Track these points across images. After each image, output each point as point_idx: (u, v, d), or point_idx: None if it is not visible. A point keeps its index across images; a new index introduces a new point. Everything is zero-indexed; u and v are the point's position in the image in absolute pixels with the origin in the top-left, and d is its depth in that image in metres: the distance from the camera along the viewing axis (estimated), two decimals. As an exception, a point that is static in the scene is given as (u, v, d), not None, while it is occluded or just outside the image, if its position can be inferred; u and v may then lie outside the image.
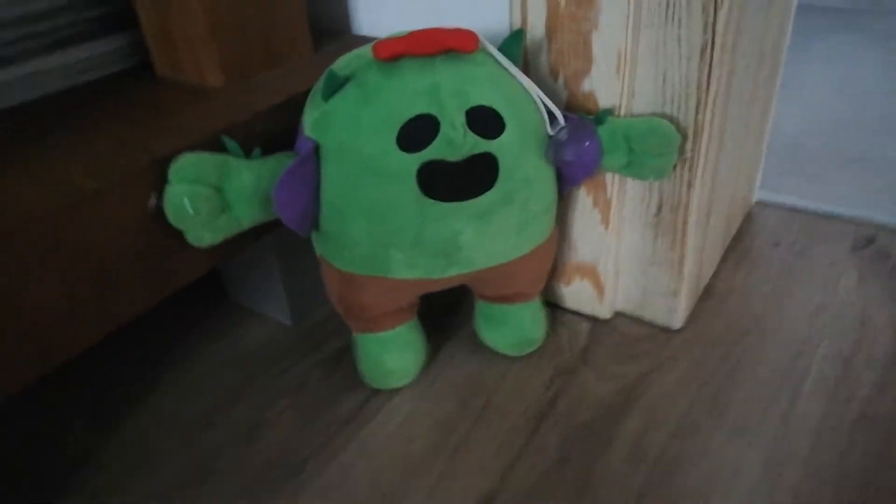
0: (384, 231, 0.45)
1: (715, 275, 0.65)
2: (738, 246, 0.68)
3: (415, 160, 0.42)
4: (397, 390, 0.55)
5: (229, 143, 0.44)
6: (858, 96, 0.97)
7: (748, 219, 0.72)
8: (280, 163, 0.44)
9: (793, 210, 0.72)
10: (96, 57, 0.53)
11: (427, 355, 0.56)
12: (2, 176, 0.41)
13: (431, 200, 0.43)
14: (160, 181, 0.42)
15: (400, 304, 0.51)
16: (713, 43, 0.46)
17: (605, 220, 0.54)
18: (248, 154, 0.45)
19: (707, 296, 0.62)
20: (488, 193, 0.44)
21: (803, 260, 0.66)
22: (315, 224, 0.47)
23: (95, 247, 0.40)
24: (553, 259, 0.54)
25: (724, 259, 0.67)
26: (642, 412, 0.52)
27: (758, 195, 0.74)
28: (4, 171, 0.41)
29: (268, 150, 0.46)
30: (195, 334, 0.63)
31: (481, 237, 0.46)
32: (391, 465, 0.49)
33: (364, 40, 0.61)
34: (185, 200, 0.41)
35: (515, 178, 0.44)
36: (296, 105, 0.48)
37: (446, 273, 0.48)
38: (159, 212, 0.42)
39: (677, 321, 0.58)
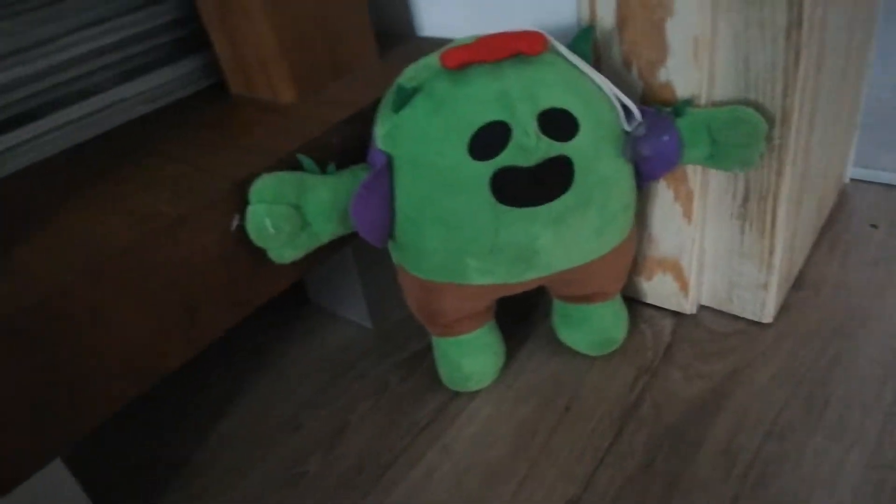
0: (460, 240, 0.44)
1: (807, 262, 0.61)
2: (832, 229, 0.64)
3: (487, 168, 0.42)
4: (477, 393, 0.55)
5: (305, 161, 0.45)
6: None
7: (842, 199, 0.68)
8: (355, 177, 0.45)
9: (891, 187, 0.67)
10: (172, 81, 0.55)
11: (505, 357, 0.56)
12: (88, 209, 0.43)
13: (506, 207, 0.43)
14: (241, 203, 0.43)
15: (477, 309, 0.51)
16: (800, 22, 0.43)
17: (688, 213, 0.52)
18: (323, 170, 0.45)
19: (799, 286, 0.59)
20: (564, 197, 0.43)
21: (905, 242, 0.61)
22: (391, 234, 0.48)
23: (183, 272, 0.42)
24: (633, 256, 0.53)
25: (816, 245, 0.63)
26: (733, 413, 0.50)
27: (852, 173, 0.70)
28: (89, 204, 0.43)
29: (341, 163, 0.47)
30: (279, 338, 0.65)
31: (559, 241, 0.45)
32: (473, 470, 0.49)
33: (428, 42, 0.61)
34: (267, 220, 0.42)
35: (592, 179, 0.43)
36: (366, 117, 0.48)
37: (523, 277, 0.47)
38: (242, 233, 0.43)
39: (768, 315, 0.55)
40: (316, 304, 0.68)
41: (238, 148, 0.47)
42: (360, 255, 0.60)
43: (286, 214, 0.42)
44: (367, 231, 0.45)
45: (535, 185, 0.42)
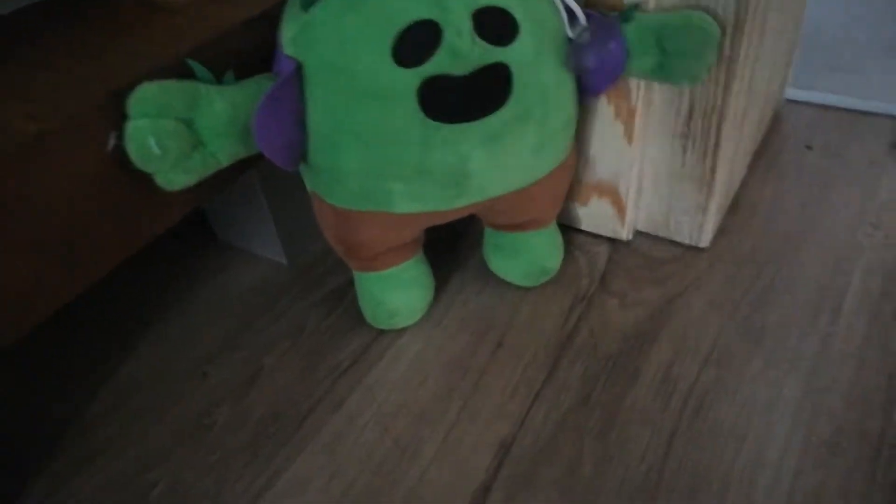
0: (382, 161, 0.39)
1: (743, 185, 0.59)
2: (767, 151, 0.63)
3: (414, 76, 0.36)
4: (403, 330, 0.51)
5: (197, 68, 0.37)
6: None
7: (777, 120, 0.66)
8: (258, 87, 0.38)
9: (825, 108, 0.66)
10: (32, -32, 0.46)
11: (434, 291, 0.51)
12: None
13: (436, 123, 0.37)
14: (119, 117, 0.36)
15: (403, 240, 0.46)
16: (756, -83, 0.39)
17: (629, 133, 0.48)
18: (219, 79, 0.38)
19: (735, 209, 0.57)
20: (501, 111, 0.38)
21: (839, 162, 0.60)
22: (303, 156, 0.42)
23: (49, 202, 0.35)
24: (571, 180, 0.49)
25: (751, 167, 0.61)
26: (670, 341, 0.48)
27: (787, 93, 0.68)
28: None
29: (242, 73, 0.40)
30: (183, 279, 0.58)
31: (494, 162, 0.40)
32: (401, 412, 0.46)
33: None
34: (150, 138, 0.35)
35: (532, 91, 0.38)
36: (271, 17, 0.41)
37: (454, 204, 0.43)
38: (122, 154, 0.36)
39: (705, 239, 0.53)
40: (224, 241, 0.61)
41: (118, 52, 0.39)
42: (269, 182, 0.53)
43: (174, 131, 0.36)
44: (274, 151, 0.39)
45: (469, 97, 0.37)
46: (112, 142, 0.36)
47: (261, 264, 0.58)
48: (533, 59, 0.38)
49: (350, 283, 0.55)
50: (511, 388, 0.46)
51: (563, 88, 0.41)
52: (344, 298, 0.54)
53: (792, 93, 0.68)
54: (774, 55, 0.55)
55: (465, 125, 0.38)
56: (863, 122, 0.64)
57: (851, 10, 0.80)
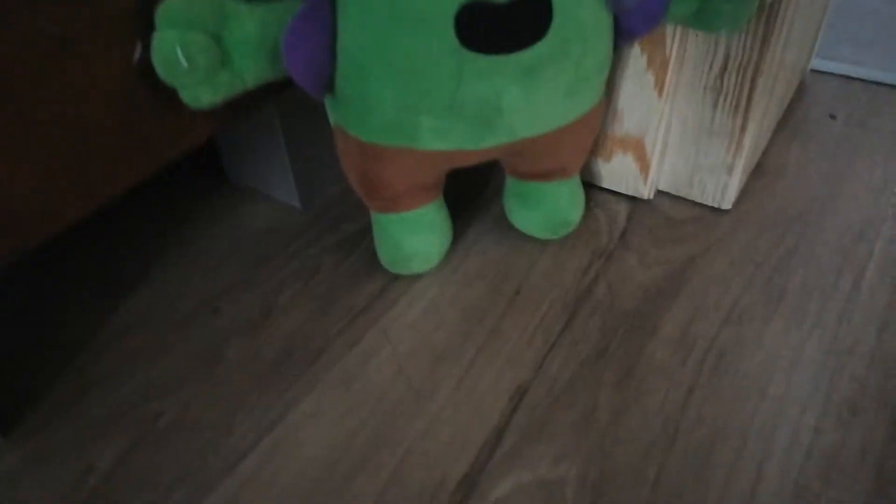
0: (415, 91, 0.38)
1: (766, 150, 0.59)
2: (792, 119, 0.62)
3: (453, 2, 0.35)
4: (419, 276, 0.50)
5: (227, -20, 0.36)
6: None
7: (802, 89, 0.65)
8: (289, 7, 0.37)
9: (849, 79, 0.65)
10: None
11: (452, 238, 0.51)
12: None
13: (471, 53, 0.36)
14: (147, 28, 0.34)
15: (426, 181, 0.46)
16: None
17: (660, 84, 0.47)
18: (249, -5, 0.37)
19: (759, 173, 0.56)
20: (538, 45, 0.37)
21: (862, 132, 0.59)
22: (330, 85, 0.41)
23: (71, 112, 0.34)
24: (599, 129, 0.48)
25: (775, 133, 0.60)
26: (690, 299, 0.47)
27: (812, 63, 0.67)
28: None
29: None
30: (193, 218, 0.57)
31: (526, 99, 0.39)
32: (416, 354, 0.45)
33: None
34: (178, 50, 0.34)
35: (571, 27, 0.37)
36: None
37: (482, 144, 0.42)
38: (148, 65, 0.35)
39: (728, 201, 0.52)
40: (236, 182, 0.60)
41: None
42: (288, 120, 0.52)
43: (202, 44, 0.34)
44: (303, 74, 0.38)
45: (508, 27, 0.36)
46: (138, 52, 0.35)
47: (274, 207, 0.57)
48: (575, -8, 0.36)
49: (366, 229, 0.54)
50: (528, 337, 0.46)
51: (601, 27, 0.40)
52: (360, 244, 0.53)
53: (817, 63, 0.67)
54: (808, 18, 0.54)
55: (501, 57, 0.37)
56: (886, 94, 0.63)
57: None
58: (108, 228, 0.56)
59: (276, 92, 0.43)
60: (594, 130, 0.46)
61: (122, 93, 0.35)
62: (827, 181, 0.55)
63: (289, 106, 0.51)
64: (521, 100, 0.39)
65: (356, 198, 0.57)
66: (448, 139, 0.41)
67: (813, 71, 0.67)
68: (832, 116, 0.61)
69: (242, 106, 0.41)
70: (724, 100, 0.47)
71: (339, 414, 0.42)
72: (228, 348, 0.46)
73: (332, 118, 0.44)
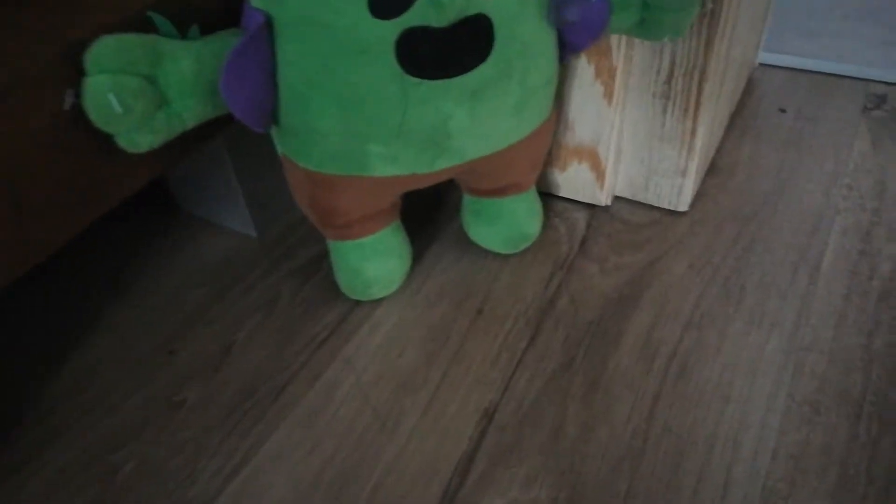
0: (361, 120, 0.37)
1: (719, 148, 0.59)
2: (742, 114, 0.62)
3: (392, 28, 0.34)
4: (381, 301, 0.50)
5: (160, 20, 0.35)
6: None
7: (750, 84, 0.66)
8: (225, 43, 0.36)
9: (797, 71, 0.66)
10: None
11: (411, 261, 0.50)
12: None
13: (415, 79, 0.36)
14: (76, 74, 0.33)
15: (380, 206, 0.45)
16: None
17: (609, 93, 0.47)
18: (183, 34, 0.36)
19: (713, 172, 0.57)
20: (482, 67, 0.36)
21: (812, 125, 0.60)
22: (274, 117, 0.40)
23: (4, 163, 0.32)
24: (551, 142, 0.48)
25: (727, 130, 0.61)
26: (651, 305, 0.48)
27: (760, 57, 0.68)
28: None
29: (208, 28, 0.38)
30: (145, 252, 0.56)
31: (474, 121, 0.39)
32: (381, 382, 0.45)
33: None
34: (111, 96, 0.33)
35: (513, 46, 0.37)
36: (236, -32, 0.39)
37: (434, 167, 0.41)
38: (80, 113, 0.34)
39: (684, 203, 0.52)
40: (188, 212, 0.59)
41: (73, 3, 0.37)
42: (236, 149, 0.51)
43: (137, 88, 0.33)
44: (243, 111, 0.37)
45: (449, 51, 0.35)
46: (69, 100, 0.34)
47: (228, 237, 0.56)
48: (515, 12, 0.36)
49: (323, 254, 0.53)
50: (493, 356, 0.46)
51: (544, 43, 0.39)
52: (318, 270, 0.53)
53: (764, 56, 0.67)
54: (752, 14, 0.54)
55: (445, 82, 0.36)
56: (835, 85, 0.64)
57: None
58: (55, 269, 0.55)
59: (220, 127, 0.42)
60: (546, 144, 0.46)
61: (55, 141, 0.34)
62: (779, 176, 0.56)
63: (236, 135, 0.50)
64: (468, 122, 0.39)
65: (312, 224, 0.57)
66: (398, 164, 0.40)
67: (761, 65, 0.68)
68: (782, 110, 0.62)
69: (185, 145, 0.40)
70: (673, 105, 0.47)
71: (304, 452, 0.41)
72: (187, 391, 0.45)
73: (279, 148, 0.43)
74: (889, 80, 0.63)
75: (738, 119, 0.62)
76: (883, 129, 0.59)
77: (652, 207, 0.54)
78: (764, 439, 0.40)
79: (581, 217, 0.54)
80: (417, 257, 0.52)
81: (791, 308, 0.46)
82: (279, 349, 0.47)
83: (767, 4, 0.62)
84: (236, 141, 0.50)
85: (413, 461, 0.40)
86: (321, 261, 0.53)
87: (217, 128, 0.42)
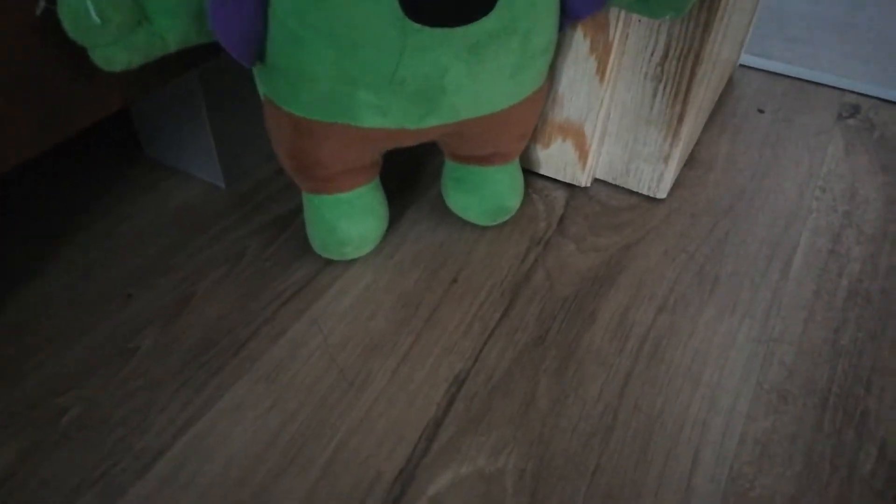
0: (353, 63, 0.36)
1: (698, 142, 0.59)
2: (722, 112, 0.63)
3: (396, -32, 0.33)
4: (352, 262, 0.48)
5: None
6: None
7: (730, 83, 0.67)
8: (215, -36, 0.34)
9: (776, 75, 0.67)
10: None
11: (388, 223, 0.48)
12: None
13: (416, 24, 0.34)
14: (50, -25, 0.31)
15: (362, 161, 0.43)
16: None
17: (602, 69, 0.46)
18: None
19: (691, 164, 0.57)
20: (486, 19, 0.35)
21: (789, 128, 0.61)
22: (261, 53, 0.38)
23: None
24: (540, 113, 0.47)
25: (707, 125, 0.61)
26: (627, 286, 0.47)
27: (741, 58, 0.68)
28: None
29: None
30: (104, 193, 0.53)
31: (471, 77, 0.38)
32: (349, 344, 0.43)
33: None
34: (89, 4, 0.30)
35: (519, 2, 0.36)
36: None
37: (424, 123, 0.40)
38: (53, 20, 0.31)
39: (663, 190, 0.52)
40: (154, 158, 0.56)
41: None
42: (213, 89, 0.48)
43: (117, 0, 0.31)
44: (231, 40, 0.35)
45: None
46: (42, 4, 0.31)
47: (195, 186, 0.54)
48: (525, -36, 0.35)
49: (296, 212, 0.52)
50: (465, 325, 0.44)
51: (550, 6, 0.38)
52: (288, 227, 0.50)
53: (746, 58, 0.68)
54: (742, 11, 0.54)
55: (446, 31, 0.35)
56: (811, 91, 0.65)
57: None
58: (7, 200, 0.51)
59: (201, 59, 0.40)
60: (536, 114, 0.45)
61: (23, 49, 0.32)
62: (756, 173, 0.56)
63: (213, 75, 0.47)
64: (465, 78, 0.37)
65: (286, 178, 0.54)
66: (388, 116, 0.39)
67: (742, 66, 0.68)
68: (760, 111, 0.62)
69: (161, 72, 0.38)
70: (664, 88, 0.47)
71: (265, 407, 0.39)
72: (142, 338, 0.42)
73: (262, 89, 0.41)
74: (863, 92, 0.64)
75: (718, 116, 0.62)
76: (856, 138, 0.60)
77: (631, 192, 0.54)
78: (732, 423, 0.40)
79: (560, 196, 0.54)
80: (393, 223, 0.51)
81: (762, 300, 0.47)
82: (242, 303, 0.45)
83: (754, 7, 0.63)
84: (213, 81, 0.48)
85: (378, 424, 0.39)
86: (292, 219, 0.51)
87: (196, 59, 0.40)
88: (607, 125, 0.51)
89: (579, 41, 0.46)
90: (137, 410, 0.38)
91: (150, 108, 0.52)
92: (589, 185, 0.54)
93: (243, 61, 0.37)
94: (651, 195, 0.53)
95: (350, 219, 0.45)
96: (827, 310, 0.46)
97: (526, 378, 0.42)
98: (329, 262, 0.48)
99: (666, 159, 0.50)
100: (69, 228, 0.50)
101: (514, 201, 0.49)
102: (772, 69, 0.67)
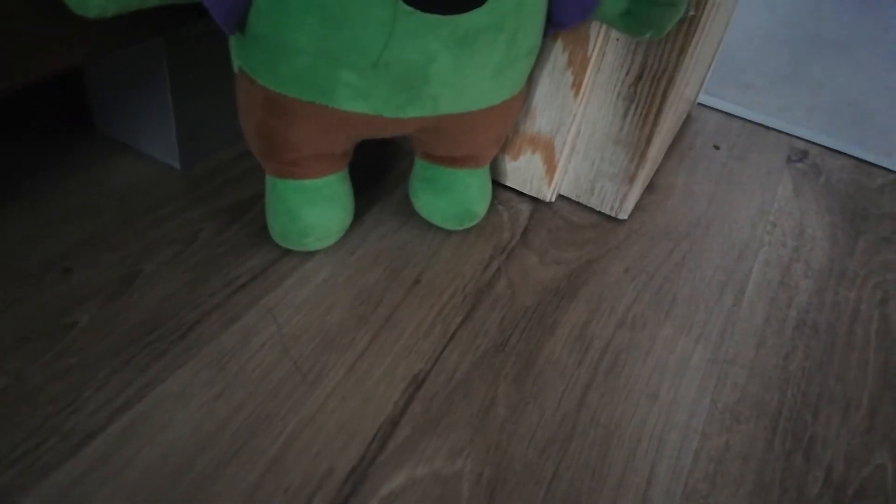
0: (338, 40, 0.35)
1: (658, 169, 0.61)
2: (680, 145, 0.65)
3: (396, -53, 0.32)
4: (312, 254, 0.46)
5: None
6: (785, 15, 0.97)
7: (688, 120, 0.69)
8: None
9: (731, 116, 0.70)
10: None
11: (353, 217, 0.47)
12: None
13: (408, 7, 0.34)
14: None
15: (333, 149, 0.42)
16: None
17: (578, 84, 0.47)
18: None
19: (651, 190, 0.58)
20: (478, 11, 0.35)
21: (742, 165, 0.63)
22: (242, 20, 0.36)
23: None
24: (515, 120, 0.47)
25: (667, 155, 0.63)
26: (587, 301, 0.47)
27: (699, 97, 0.71)
28: None
29: None
30: (50, 167, 0.49)
31: (456, 70, 0.37)
32: (304, 336, 0.41)
33: None
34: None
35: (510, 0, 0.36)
36: None
37: (402, 112, 0.39)
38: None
39: (625, 211, 0.53)
40: (106, 133, 0.53)
41: None
42: (176, 68, 0.46)
43: (100, -61, 0.29)
44: (215, 2, 0.33)
45: (450, -15, 0.34)
46: (15, -67, 0.29)
47: (147, 164, 0.51)
48: (522, -39, 0.35)
49: (254, 199, 0.50)
50: (426, 326, 0.43)
51: (538, 9, 0.38)
52: (245, 214, 0.48)
53: (703, 98, 0.71)
54: (707, 48, 0.56)
55: (437, 18, 0.34)
56: (763, 134, 0.68)
57: (746, 34, 0.87)
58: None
59: (171, 24, 0.38)
60: (512, 119, 0.45)
61: (-16, -18, 0.29)
62: (711, 204, 0.58)
63: (182, 45, 0.45)
64: (450, 70, 0.37)
65: (246, 164, 0.52)
66: (367, 101, 0.38)
67: (699, 104, 0.71)
68: (716, 147, 0.65)
69: (131, 29, 0.36)
70: (636, 109, 0.48)
71: (211, 395, 0.37)
72: (80, 314, 0.39)
73: (237, 61, 0.39)
74: (810, 139, 0.67)
75: (677, 147, 0.64)
76: (804, 180, 0.63)
77: (593, 211, 0.55)
78: (688, 440, 0.40)
79: (525, 209, 0.54)
80: (356, 218, 0.49)
81: (717, 323, 0.47)
82: (192, 287, 0.42)
83: (717, 47, 0.66)
84: (181, 53, 0.45)
85: (332, 419, 0.37)
86: (251, 206, 0.49)
87: (166, 23, 0.38)
88: (577, 141, 0.51)
89: (558, 53, 0.47)
90: (70, 388, 0.35)
91: (106, 78, 0.49)
92: (553, 200, 0.54)
93: (225, 27, 0.35)
94: (613, 215, 0.54)
95: (314, 207, 0.43)
96: (777, 337, 0.47)
97: (485, 383, 0.41)
98: (287, 252, 0.46)
99: (631, 180, 0.51)
100: (5, 196, 0.46)
101: (481, 207, 0.49)
102: (727, 110, 0.70)
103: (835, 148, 0.67)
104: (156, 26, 0.38)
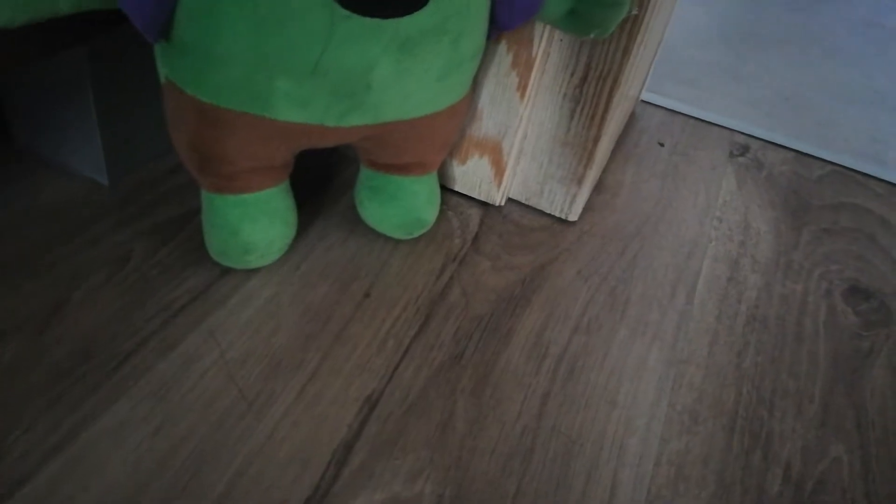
0: (273, 47, 0.33)
1: (605, 168, 0.60)
2: (625, 143, 0.65)
3: (330, -52, 0.30)
4: (253, 272, 0.44)
5: None
6: (723, 12, 0.98)
7: (632, 117, 0.69)
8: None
9: (674, 112, 0.70)
10: None
11: (296, 231, 0.45)
12: None
13: (346, 11, 0.32)
14: None
15: (272, 161, 0.40)
16: None
17: (523, 86, 0.46)
18: None
19: (599, 190, 0.58)
20: (419, 14, 0.34)
21: (687, 161, 0.64)
22: (167, 27, 0.34)
23: None
24: (461, 125, 0.46)
25: (613, 153, 0.63)
26: (542, 306, 0.46)
27: (642, 94, 0.71)
28: None
29: None
30: (-40, 184, 0.46)
31: (398, 76, 0.35)
32: (249, 360, 0.39)
33: None
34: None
35: (453, 2, 0.34)
36: None
37: (344, 121, 0.37)
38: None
39: (575, 212, 0.52)
40: (25, 148, 0.49)
41: None
42: (100, 78, 0.43)
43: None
44: (137, 6, 0.31)
45: (389, -13, 0.32)
46: None
47: (73, 181, 0.48)
48: (464, -38, 0.34)
49: (188, 216, 0.47)
50: (378, 342, 0.42)
51: (482, 11, 0.37)
52: (180, 232, 0.46)
53: (646, 95, 0.71)
54: (650, 46, 0.56)
55: (377, 22, 0.33)
56: (705, 130, 0.69)
57: (684, 31, 0.88)
58: None
59: (92, 33, 0.35)
60: (460, 124, 0.44)
61: None
62: (659, 202, 0.58)
63: (105, 55, 0.42)
64: (392, 76, 0.35)
65: (178, 179, 0.50)
66: (306, 110, 0.36)
67: (643, 101, 0.71)
68: (661, 144, 0.65)
69: (47, 40, 0.33)
70: (582, 110, 0.47)
71: (151, 429, 0.34)
72: (2, 350, 0.36)
73: (163, 71, 0.37)
74: (751, 134, 0.68)
75: (623, 146, 0.64)
76: (746, 174, 0.64)
77: (543, 214, 0.54)
78: (648, 445, 0.39)
79: (475, 214, 0.53)
80: (300, 232, 0.47)
81: (670, 322, 0.47)
82: (125, 313, 0.40)
83: (658, 45, 0.66)
84: (104, 63, 0.42)
85: (282, 448, 0.35)
86: (185, 223, 0.46)
87: (87, 33, 0.35)
88: (524, 144, 0.50)
89: (502, 55, 0.45)
90: (-9, 433, 0.32)
91: (25, 90, 0.46)
92: (503, 203, 0.53)
93: (147, 33, 0.33)
94: (563, 217, 0.53)
95: (255, 222, 0.41)
96: (729, 334, 0.48)
97: (442, 398, 0.39)
98: (227, 271, 0.44)
99: (580, 181, 0.51)
100: (-89, 222, 0.42)
101: (430, 215, 0.47)
102: (670, 107, 0.70)
103: (774, 141, 0.68)
104: (75, 35, 0.35)
